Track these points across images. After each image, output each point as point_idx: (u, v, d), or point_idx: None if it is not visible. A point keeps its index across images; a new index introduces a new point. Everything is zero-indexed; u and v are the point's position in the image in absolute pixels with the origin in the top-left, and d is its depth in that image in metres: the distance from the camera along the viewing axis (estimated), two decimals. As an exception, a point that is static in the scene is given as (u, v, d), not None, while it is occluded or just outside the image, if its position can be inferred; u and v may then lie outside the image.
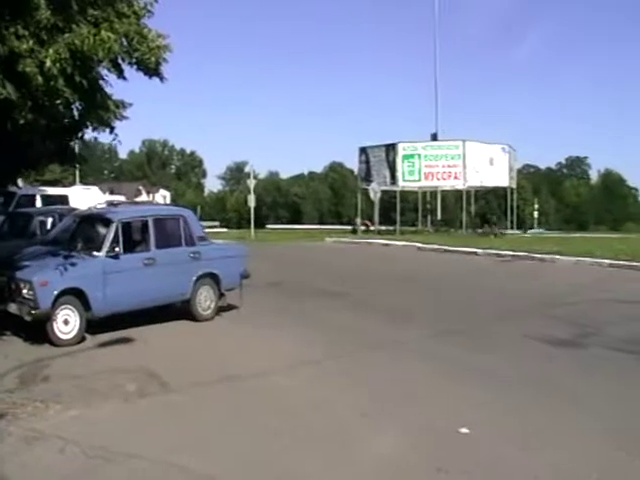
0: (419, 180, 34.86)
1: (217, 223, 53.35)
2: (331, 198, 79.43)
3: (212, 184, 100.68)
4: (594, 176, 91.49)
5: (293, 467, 4.52)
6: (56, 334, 7.97)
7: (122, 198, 22.63)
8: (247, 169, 62.42)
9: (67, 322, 8.07)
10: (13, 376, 6.65)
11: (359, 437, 5.06)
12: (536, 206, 60.15)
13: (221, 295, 9.93)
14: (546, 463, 4.54)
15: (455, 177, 34.30)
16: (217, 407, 5.84)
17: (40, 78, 6.69)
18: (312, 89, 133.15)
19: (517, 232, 36.15)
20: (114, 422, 5.38)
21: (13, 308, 8.16)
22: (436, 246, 22.14)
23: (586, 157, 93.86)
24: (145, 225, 9.18)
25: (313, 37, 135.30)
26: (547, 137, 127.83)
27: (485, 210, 53.43)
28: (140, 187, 66.79)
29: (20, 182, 15.25)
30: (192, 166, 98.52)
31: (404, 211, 43.85)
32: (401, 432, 5.18)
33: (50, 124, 8.41)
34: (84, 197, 16.97)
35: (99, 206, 10.54)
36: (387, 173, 35.37)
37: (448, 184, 35.58)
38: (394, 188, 36.29)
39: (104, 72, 8.09)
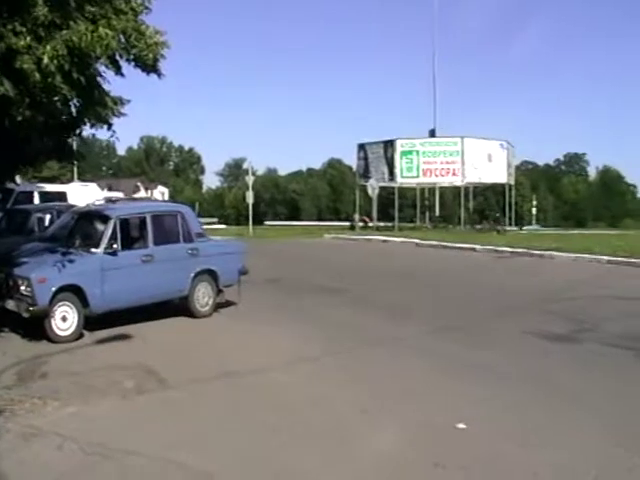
0: (417, 176, 34.78)
1: (215, 220, 53.39)
2: (329, 195, 79.53)
3: (210, 181, 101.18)
4: (592, 173, 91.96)
5: (291, 463, 4.52)
6: (54, 331, 7.96)
7: (120, 195, 22.60)
8: (245, 166, 62.65)
9: (65, 319, 8.06)
10: (11, 373, 6.64)
11: (358, 433, 5.06)
12: (534, 202, 60.29)
13: (219, 292, 9.93)
14: (545, 460, 4.54)
15: (453, 173, 34.22)
16: (215, 403, 5.84)
17: (38, 75, 6.67)
18: (310, 86, 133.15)
19: (514, 229, 36.12)
20: (112, 419, 5.38)
21: (11, 305, 8.14)
22: (434, 242, 22.18)
23: (584, 154, 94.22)
24: (143, 222, 9.16)
25: (311, 34, 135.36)
26: (545, 133, 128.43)
27: (483, 206, 53.50)
28: (138, 184, 66.55)
29: (18, 179, 15.20)
30: (190, 162, 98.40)
31: (402, 207, 43.88)
32: (400, 428, 5.17)
33: (48, 121, 8.39)
34: (82, 194, 16.96)
35: (97, 203, 10.52)
36: (385, 169, 35.28)
37: (446, 180, 35.49)
38: (392, 184, 36.23)
39: (102, 69, 8.07)
